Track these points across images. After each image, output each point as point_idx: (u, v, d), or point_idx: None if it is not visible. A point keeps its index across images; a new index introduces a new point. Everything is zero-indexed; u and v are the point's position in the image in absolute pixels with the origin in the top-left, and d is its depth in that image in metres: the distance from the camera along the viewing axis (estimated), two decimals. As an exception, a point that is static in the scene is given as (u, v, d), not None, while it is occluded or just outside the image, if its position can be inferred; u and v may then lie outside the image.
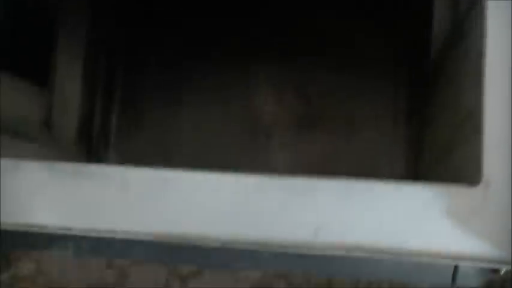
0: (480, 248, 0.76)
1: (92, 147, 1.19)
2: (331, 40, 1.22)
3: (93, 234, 0.78)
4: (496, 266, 0.76)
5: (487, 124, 0.77)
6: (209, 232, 0.78)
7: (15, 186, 0.80)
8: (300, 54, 1.20)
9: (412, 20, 1.18)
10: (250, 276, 1.20)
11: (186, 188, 0.78)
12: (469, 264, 0.75)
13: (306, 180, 0.78)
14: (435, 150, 1.02)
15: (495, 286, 0.82)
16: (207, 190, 0.78)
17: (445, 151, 0.94)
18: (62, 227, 0.79)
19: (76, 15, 1.10)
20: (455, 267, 0.80)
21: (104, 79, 1.22)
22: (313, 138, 1.21)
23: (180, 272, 1.27)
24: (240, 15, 1.23)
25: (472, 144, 0.80)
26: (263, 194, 0.78)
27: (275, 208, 0.78)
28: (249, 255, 0.81)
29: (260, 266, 0.86)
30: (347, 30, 1.22)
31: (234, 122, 1.23)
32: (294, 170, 1.20)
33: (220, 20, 1.24)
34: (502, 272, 0.77)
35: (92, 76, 1.17)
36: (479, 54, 0.79)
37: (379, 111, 1.21)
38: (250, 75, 1.22)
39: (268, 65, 1.21)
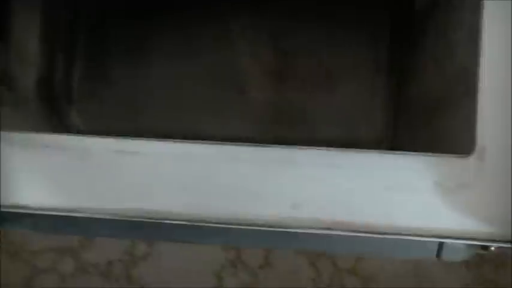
0: (471, 225, 0.67)
1: (53, 105, 1.08)
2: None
3: (48, 212, 0.68)
4: (491, 244, 0.66)
5: (483, 85, 0.68)
6: (175, 208, 0.68)
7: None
8: (275, 5, 1.08)
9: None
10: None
11: (147, 160, 0.68)
12: (459, 242, 0.66)
13: (282, 150, 0.68)
14: (421, 107, 0.92)
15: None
16: (172, 161, 0.69)
17: (433, 111, 0.84)
18: (13, 204, 0.68)
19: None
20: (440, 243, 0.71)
21: (65, 32, 1.10)
22: (289, 93, 1.10)
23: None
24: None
25: (464, 107, 0.71)
26: (235, 165, 0.68)
27: (248, 181, 0.68)
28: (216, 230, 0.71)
29: (230, 242, 0.76)
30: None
31: (205, 77, 1.12)
32: (269, 127, 1.09)
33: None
34: (493, 249, 0.68)
35: (52, 29, 1.05)
36: (477, 5, 0.68)
37: (358, 62, 1.10)
38: (222, 28, 1.11)
39: (241, 16, 1.10)
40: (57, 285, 1.23)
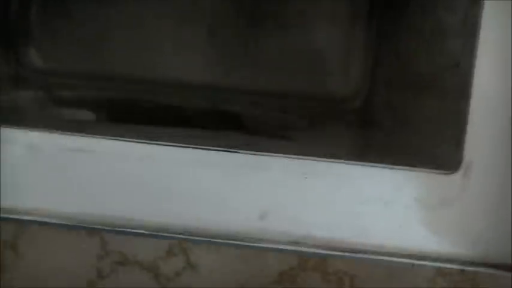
0: (451, 246, 0.60)
1: (9, 47, 0.97)
2: None
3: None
4: (470, 268, 0.60)
5: (478, 92, 0.58)
6: (132, 215, 0.60)
7: None
8: None
9: None
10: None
11: (104, 160, 0.60)
12: (437, 265, 0.59)
13: (251, 156, 0.59)
14: (402, 78, 0.83)
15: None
16: (131, 163, 0.60)
17: (415, 94, 0.75)
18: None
19: None
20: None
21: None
22: (261, 38, 1.00)
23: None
24: None
25: (453, 109, 0.62)
26: (198, 170, 0.60)
27: (212, 187, 0.60)
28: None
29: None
30: None
31: (173, 16, 1.00)
32: (238, 72, 0.99)
33: None
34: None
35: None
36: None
37: (335, 10, 0.99)
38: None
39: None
40: None
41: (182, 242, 0.84)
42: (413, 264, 0.64)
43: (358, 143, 0.73)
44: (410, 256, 0.60)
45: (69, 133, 0.61)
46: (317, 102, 0.99)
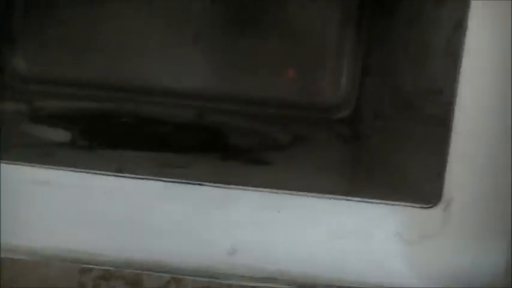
0: (431, 283, 0.55)
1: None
2: None
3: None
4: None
5: (459, 124, 0.53)
6: (95, 250, 0.55)
7: None
8: None
9: None
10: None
11: (67, 193, 0.55)
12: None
13: (221, 190, 0.54)
14: (388, 92, 0.77)
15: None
16: (95, 196, 0.55)
17: (401, 110, 0.69)
18: None
19: None
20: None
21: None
22: (246, 45, 0.94)
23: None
24: None
25: (434, 142, 0.57)
26: (165, 203, 0.55)
27: (181, 221, 0.55)
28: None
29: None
30: None
31: (158, 22, 0.95)
32: (223, 81, 0.94)
33: None
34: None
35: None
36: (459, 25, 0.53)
37: (324, 18, 0.94)
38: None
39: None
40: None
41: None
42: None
43: (340, 172, 0.67)
44: (388, 294, 0.55)
45: (34, 165, 0.56)
46: (305, 111, 0.94)
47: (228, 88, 0.96)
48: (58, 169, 0.57)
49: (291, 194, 0.56)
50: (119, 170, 0.57)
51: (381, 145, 0.75)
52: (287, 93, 0.96)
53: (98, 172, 0.56)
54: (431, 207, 0.56)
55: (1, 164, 0.56)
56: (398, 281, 0.56)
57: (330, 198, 0.56)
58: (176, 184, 0.56)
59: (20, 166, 0.57)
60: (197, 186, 0.56)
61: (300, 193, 0.56)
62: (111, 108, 0.87)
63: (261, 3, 0.95)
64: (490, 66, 0.54)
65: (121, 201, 0.56)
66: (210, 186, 0.56)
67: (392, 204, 0.56)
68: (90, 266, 0.63)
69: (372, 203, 0.56)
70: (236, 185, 0.56)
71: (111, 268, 0.57)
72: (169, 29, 0.97)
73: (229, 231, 0.56)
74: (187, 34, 0.96)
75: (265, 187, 0.56)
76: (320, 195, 0.56)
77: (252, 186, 0.56)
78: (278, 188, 0.56)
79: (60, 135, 0.71)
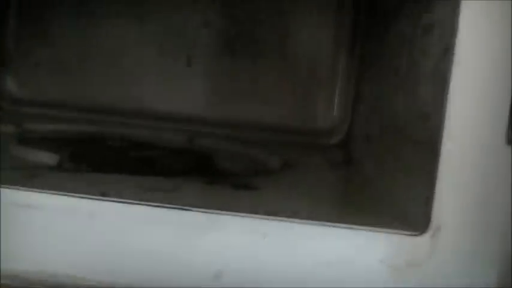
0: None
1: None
2: None
3: None
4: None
5: (447, 151, 0.52)
6: (78, 274, 0.54)
7: None
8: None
9: None
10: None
11: (49, 216, 0.53)
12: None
13: (210, 214, 0.53)
14: (380, 118, 0.77)
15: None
16: (81, 220, 0.54)
17: (392, 135, 0.69)
18: None
19: None
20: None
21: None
22: (240, 66, 0.94)
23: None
24: None
25: (422, 168, 0.56)
26: (150, 228, 0.54)
27: (166, 245, 0.54)
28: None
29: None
30: None
31: (151, 43, 0.95)
32: (215, 104, 0.94)
33: None
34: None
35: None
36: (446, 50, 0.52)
37: (317, 44, 0.93)
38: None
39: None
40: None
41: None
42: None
43: (329, 197, 0.66)
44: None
45: (16, 188, 0.55)
46: (297, 136, 0.94)
47: (219, 112, 0.96)
48: (41, 192, 0.56)
49: (277, 219, 0.55)
50: (103, 193, 0.56)
51: (370, 170, 0.74)
52: (279, 118, 0.95)
53: (83, 196, 0.56)
54: (419, 234, 0.55)
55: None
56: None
57: (316, 225, 0.55)
58: (162, 208, 0.55)
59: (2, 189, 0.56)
60: (181, 211, 0.55)
61: (287, 219, 0.55)
62: (100, 131, 0.87)
63: (254, 29, 0.95)
64: (479, 92, 0.53)
65: (106, 225, 0.55)
66: (196, 211, 0.55)
67: (380, 231, 0.55)
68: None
69: (359, 229, 0.55)
70: (223, 209, 0.56)
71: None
72: (161, 53, 0.96)
73: (215, 256, 0.55)
74: (180, 57, 0.96)
75: (252, 212, 0.56)
76: (307, 221, 0.55)
77: (239, 212, 0.56)
78: (265, 214, 0.55)
79: (48, 158, 0.70)
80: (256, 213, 0.55)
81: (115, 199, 0.55)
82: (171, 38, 0.95)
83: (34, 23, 0.96)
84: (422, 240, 0.55)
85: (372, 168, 0.75)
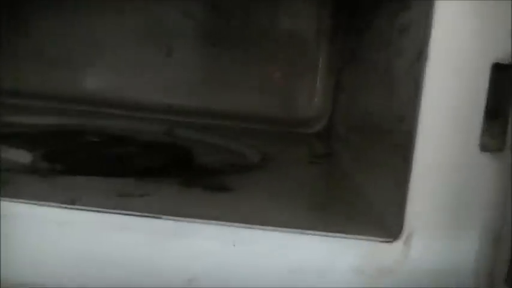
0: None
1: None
2: None
3: None
4: None
5: (420, 158, 0.51)
6: (49, 283, 0.53)
7: None
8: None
9: None
10: None
11: (22, 225, 0.52)
12: None
13: (181, 223, 0.52)
14: (358, 117, 0.75)
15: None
16: (51, 229, 0.53)
17: (372, 130, 0.67)
18: None
19: None
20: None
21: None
22: (221, 57, 0.92)
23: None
24: None
25: (395, 173, 0.55)
26: (124, 236, 0.53)
27: (139, 253, 0.53)
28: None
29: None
30: None
31: (131, 34, 0.93)
32: (195, 95, 0.92)
33: None
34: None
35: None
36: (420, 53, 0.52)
37: (298, 30, 0.92)
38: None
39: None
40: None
41: None
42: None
43: (304, 199, 0.65)
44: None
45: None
46: (278, 125, 0.93)
47: (199, 102, 0.94)
48: (10, 201, 0.55)
49: (249, 228, 0.54)
50: (73, 201, 0.55)
51: (348, 165, 0.73)
52: (260, 107, 0.94)
53: (52, 204, 0.54)
54: (391, 241, 0.54)
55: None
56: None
57: (286, 232, 0.54)
58: (131, 217, 0.54)
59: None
60: (152, 219, 0.54)
61: (259, 227, 0.54)
62: (79, 124, 0.85)
63: (235, 19, 0.93)
64: (453, 96, 0.52)
65: (76, 232, 0.54)
66: (166, 219, 0.54)
67: (353, 238, 0.54)
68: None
69: (332, 236, 0.54)
70: (195, 217, 0.55)
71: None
72: (142, 43, 0.95)
73: (187, 263, 0.54)
74: (160, 48, 0.94)
75: (224, 219, 0.55)
76: (279, 229, 0.54)
77: (211, 218, 0.55)
78: (238, 220, 0.54)
79: (21, 156, 0.68)
80: (228, 220, 0.54)
81: (85, 207, 0.54)
82: (151, 28, 0.93)
83: (14, 14, 0.94)
84: (395, 247, 0.54)
85: (350, 163, 0.74)
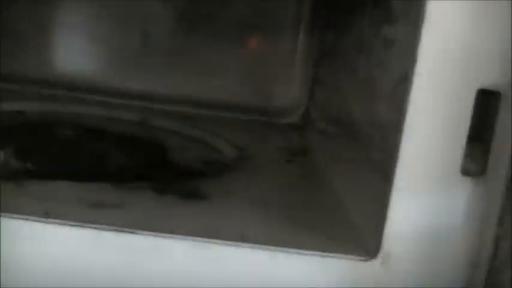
0: None
1: None
2: None
3: None
4: None
5: (402, 175, 0.50)
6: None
7: None
8: None
9: None
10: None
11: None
12: None
13: (151, 238, 0.51)
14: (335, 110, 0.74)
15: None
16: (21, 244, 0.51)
17: (347, 135, 0.66)
18: None
19: None
20: None
21: None
22: (197, 43, 0.90)
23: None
24: None
25: (375, 190, 0.54)
26: (93, 251, 0.51)
27: (108, 271, 0.52)
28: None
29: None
30: None
31: (106, 17, 0.90)
32: (171, 80, 0.90)
33: None
34: None
35: None
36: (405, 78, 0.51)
37: (278, 21, 0.90)
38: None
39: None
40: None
41: None
42: None
43: (280, 205, 0.64)
44: None
45: None
46: (253, 114, 0.91)
47: (174, 90, 0.92)
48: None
49: (223, 244, 0.53)
50: (46, 213, 0.53)
51: (326, 171, 0.72)
52: (236, 95, 0.92)
53: (24, 217, 0.53)
54: (368, 259, 0.53)
55: None
56: None
57: (261, 249, 0.53)
58: (105, 231, 0.53)
59: None
60: (130, 234, 0.53)
61: (233, 243, 0.53)
62: (50, 111, 0.83)
63: (211, 5, 0.90)
64: (436, 120, 0.51)
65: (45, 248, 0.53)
66: (142, 234, 0.53)
67: (330, 256, 0.53)
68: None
69: (304, 254, 0.53)
70: (169, 231, 0.53)
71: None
72: (116, 28, 0.92)
73: (161, 281, 0.53)
74: (134, 33, 0.92)
75: (198, 233, 0.53)
76: (256, 246, 0.53)
77: (187, 233, 0.53)
78: (210, 237, 0.53)
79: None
80: (202, 236, 0.53)
81: (58, 221, 0.53)
82: (125, 12, 0.90)
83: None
84: (372, 267, 0.53)
85: (328, 164, 0.73)
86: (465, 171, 0.51)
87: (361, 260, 0.53)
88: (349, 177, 0.64)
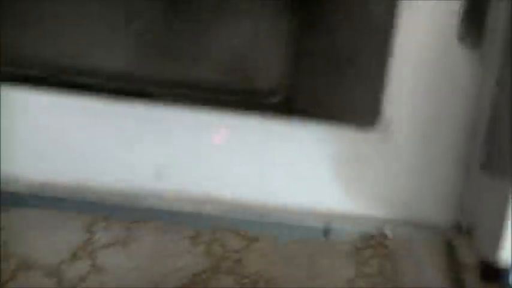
0: (363, 206, 0.50)
1: None
2: None
3: None
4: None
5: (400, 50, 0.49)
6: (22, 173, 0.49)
7: None
8: None
9: None
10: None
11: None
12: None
13: (143, 107, 0.49)
14: (325, 61, 0.74)
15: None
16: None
17: (338, 69, 0.65)
18: None
19: None
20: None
21: None
22: (180, 26, 0.90)
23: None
24: None
25: (373, 71, 0.53)
26: (81, 119, 0.49)
27: (104, 141, 0.49)
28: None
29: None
30: None
31: (90, 2, 0.90)
32: (153, 63, 0.89)
33: None
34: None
35: None
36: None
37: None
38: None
39: None
40: None
41: (87, 245, 0.72)
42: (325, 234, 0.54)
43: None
44: (324, 217, 0.50)
45: None
46: (238, 95, 0.90)
47: (157, 71, 0.91)
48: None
49: (217, 113, 0.52)
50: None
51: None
52: (220, 76, 0.92)
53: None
54: (369, 128, 0.52)
55: None
56: (335, 207, 0.52)
57: (261, 121, 0.51)
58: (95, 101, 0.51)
59: None
60: (118, 102, 0.51)
61: (230, 111, 0.52)
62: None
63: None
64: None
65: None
66: (133, 103, 0.52)
67: (327, 126, 0.52)
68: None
69: (309, 125, 0.52)
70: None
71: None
72: (99, 10, 0.92)
73: (154, 154, 0.51)
74: (118, 14, 0.92)
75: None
76: (254, 115, 0.52)
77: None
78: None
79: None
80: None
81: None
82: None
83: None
84: (373, 135, 0.52)
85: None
86: (461, 37, 0.51)
87: (362, 128, 0.52)
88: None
